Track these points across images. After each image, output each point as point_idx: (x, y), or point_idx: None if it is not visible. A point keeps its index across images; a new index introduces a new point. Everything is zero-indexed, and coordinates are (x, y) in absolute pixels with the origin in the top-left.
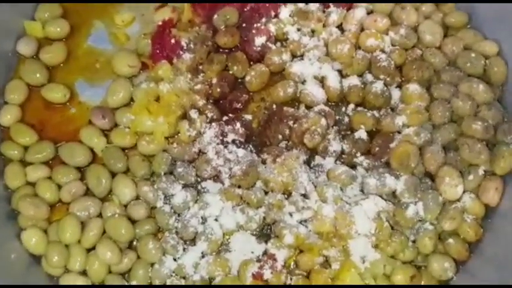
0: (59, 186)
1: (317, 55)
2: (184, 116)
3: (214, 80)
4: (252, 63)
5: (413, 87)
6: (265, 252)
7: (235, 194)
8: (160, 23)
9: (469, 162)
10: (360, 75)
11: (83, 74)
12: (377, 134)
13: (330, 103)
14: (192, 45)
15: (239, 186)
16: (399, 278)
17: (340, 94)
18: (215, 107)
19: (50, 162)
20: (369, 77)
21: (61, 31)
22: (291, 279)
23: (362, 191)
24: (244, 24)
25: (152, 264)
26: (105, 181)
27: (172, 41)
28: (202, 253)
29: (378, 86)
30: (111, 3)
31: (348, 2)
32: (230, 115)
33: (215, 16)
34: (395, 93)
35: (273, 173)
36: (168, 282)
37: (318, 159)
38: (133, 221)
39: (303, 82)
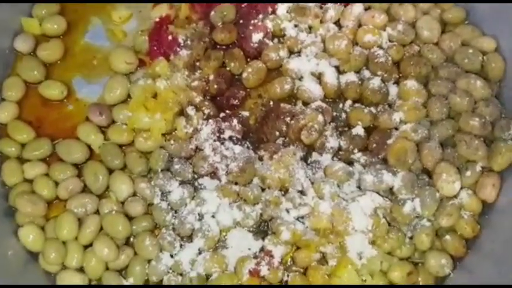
0: (56, 183)
1: (314, 51)
2: (181, 113)
3: (211, 77)
4: (249, 59)
5: (410, 84)
6: (262, 249)
7: (232, 191)
8: (157, 20)
9: (467, 159)
10: (357, 72)
11: (80, 70)
12: (374, 130)
13: (327, 99)
14: (189, 42)
15: (236, 183)
16: (396, 275)
17: (338, 90)
18: (212, 104)
19: (47, 159)
20: (366, 73)
21: (58, 28)
22: (287, 275)
23: (359, 187)
24: (241, 21)
25: (149, 261)
26: (102, 178)
27: (170, 37)
28: (199, 249)
29: (375, 82)
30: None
31: (347, 2)
32: (227, 112)
33: (212, 13)
34: (393, 90)
35: (270, 170)
36: (165, 279)
37: (315, 155)
38: (130, 218)
39: (300, 78)
